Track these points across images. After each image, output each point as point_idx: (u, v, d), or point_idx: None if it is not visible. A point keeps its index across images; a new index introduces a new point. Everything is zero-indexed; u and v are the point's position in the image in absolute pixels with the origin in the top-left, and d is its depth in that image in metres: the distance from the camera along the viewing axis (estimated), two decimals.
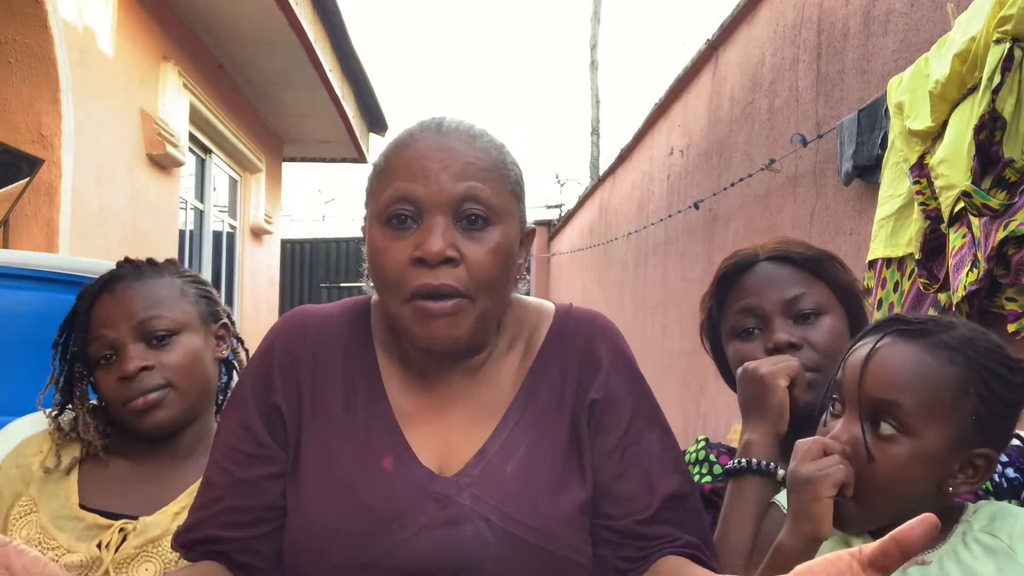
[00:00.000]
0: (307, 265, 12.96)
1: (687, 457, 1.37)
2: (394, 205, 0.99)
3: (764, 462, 1.15)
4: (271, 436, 1.04)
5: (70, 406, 1.41)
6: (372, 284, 1.05)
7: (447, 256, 0.96)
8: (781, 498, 1.06)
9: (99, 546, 1.27)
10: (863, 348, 0.99)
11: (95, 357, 1.36)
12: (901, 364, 0.96)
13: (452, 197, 0.98)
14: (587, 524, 1.01)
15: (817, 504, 0.95)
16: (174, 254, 5.74)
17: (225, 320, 1.47)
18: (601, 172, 10.33)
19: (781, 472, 1.11)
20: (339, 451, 1.02)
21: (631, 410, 1.06)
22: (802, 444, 0.99)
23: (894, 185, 2.75)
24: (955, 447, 0.95)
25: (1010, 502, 1.13)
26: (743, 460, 1.17)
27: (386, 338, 1.10)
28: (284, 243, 11.14)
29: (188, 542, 1.05)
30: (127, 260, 1.45)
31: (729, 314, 1.28)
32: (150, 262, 1.45)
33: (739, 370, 1.23)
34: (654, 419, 1.08)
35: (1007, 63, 2.06)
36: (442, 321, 0.97)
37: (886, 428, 0.95)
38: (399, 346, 1.08)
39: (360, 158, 9.67)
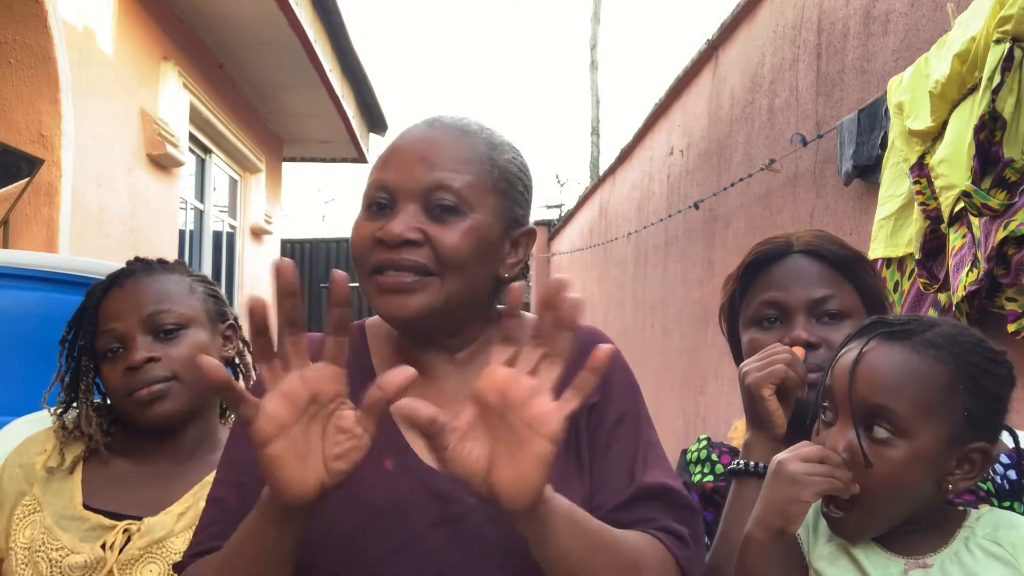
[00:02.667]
0: (307, 265, 12.95)
1: (688, 456, 1.37)
2: (372, 193, 1.03)
3: (763, 464, 1.14)
4: None
5: (74, 404, 1.41)
6: None
7: (408, 238, 0.98)
8: None
9: (103, 547, 1.27)
10: (849, 354, 0.99)
11: (103, 351, 1.36)
12: (889, 367, 0.96)
13: (422, 185, 1.00)
14: None
15: (795, 506, 0.95)
16: (174, 254, 5.73)
17: (232, 321, 1.48)
18: (601, 172, 10.33)
19: None
20: None
21: (622, 412, 1.06)
22: (803, 445, 0.99)
23: (894, 185, 2.76)
24: (950, 444, 0.96)
25: (1011, 504, 1.13)
26: (742, 462, 1.17)
27: (384, 350, 1.11)
28: (284, 243, 11.12)
29: (190, 557, 1.02)
30: (137, 258, 1.46)
31: (752, 302, 1.27)
32: (160, 261, 1.46)
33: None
34: (642, 423, 1.07)
35: (1007, 63, 2.06)
36: (397, 295, 0.99)
37: (880, 432, 0.95)
38: (397, 352, 1.09)
39: (360, 158, 9.67)
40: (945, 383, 0.95)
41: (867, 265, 1.29)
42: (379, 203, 1.02)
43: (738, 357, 1.33)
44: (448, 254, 0.99)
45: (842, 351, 1.02)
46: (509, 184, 1.06)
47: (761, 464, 1.14)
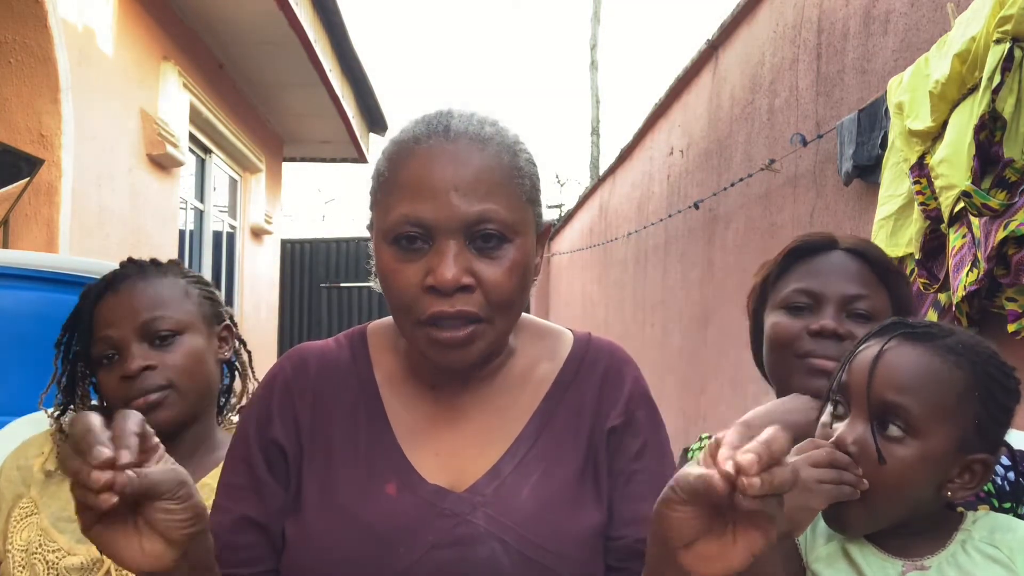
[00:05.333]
0: (307, 265, 12.95)
1: (690, 455, 1.37)
2: (401, 227, 0.93)
3: None
4: (270, 472, 1.01)
5: (72, 406, 1.40)
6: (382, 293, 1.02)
7: (462, 284, 0.92)
8: None
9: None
10: (869, 350, 1.00)
11: (98, 357, 1.35)
12: (909, 366, 0.97)
13: (464, 220, 0.92)
14: (601, 550, 0.98)
15: (804, 513, 0.96)
16: (174, 254, 5.73)
17: (228, 322, 1.47)
18: (601, 172, 10.33)
19: None
20: (341, 479, 0.99)
21: (645, 439, 1.04)
22: (809, 445, 1.00)
23: (894, 185, 2.76)
24: (957, 450, 0.96)
25: (1012, 504, 1.13)
26: None
27: (388, 361, 1.07)
28: (284, 243, 11.13)
29: None
30: (131, 260, 1.44)
31: (786, 287, 1.27)
32: (154, 262, 1.44)
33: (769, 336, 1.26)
34: (665, 453, 1.06)
35: (1007, 63, 2.06)
36: (458, 348, 0.94)
37: (894, 430, 0.96)
38: (404, 364, 1.06)
39: (360, 158, 9.67)
40: (961, 389, 0.96)
41: (905, 280, 1.30)
42: (409, 237, 0.93)
43: (756, 342, 1.34)
44: (500, 298, 0.94)
45: (860, 348, 1.02)
46: (535, 190, 1.01)
47: None
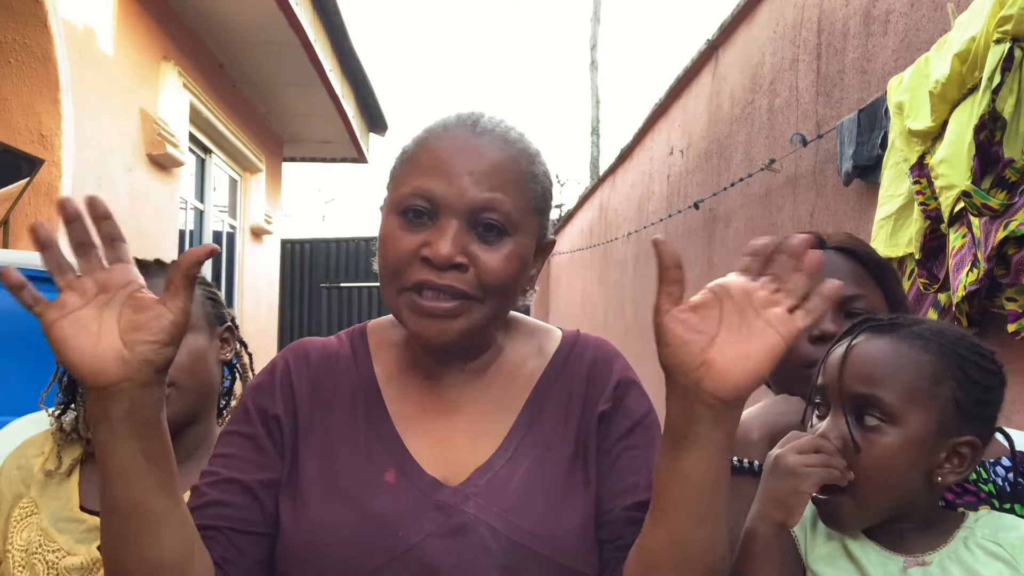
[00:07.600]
0: (307, 265, 12.94)
1: None
2: (411, 199, 0.97)
3: (758, 463, 1.14)
4: (270, 440, 1.03)
5: (72, 406, 1.41)
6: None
7: (456, 262, 0.95)
8: None
9: (99, 548, 1.27)
10: (839, 348, 1.02)
11: None
12: (877, 357, 0.99)
13: (471, 204, 0.96)
14: (592, 534, 1.00)
15: (795, 497, 0.97)
16: (174, 254, 5.73)
17: (230, 323, 1.47)
18: (601, 172, 10.33)
19: None
20: (341, 464, 1.01)
21: (634, 420, 1.05)
22: (796, 435, 1.01)
23: (894, 185, 2.76)
24: (940, 433, 0.97)
25: (1012, 506, 1.13)
26: (735, 459, 1.17)
27: (387, 355, 1.10)
28: (284, 243, 11.13)
29: None
30: (135, 260, 1.44)
31: None
32: (158, 262, 1.44)
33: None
34: (655, 432, 1.07)
35: (1007, 63, 2.06)
36: (439, 319, 0.97)
37: (871, 420, 0.97)
38: (402, 358, 1.09)
39: (360, 158, 9.67)
40: (932, 371, 0.98)
41: (895, 275, 1.30)
42: (416, 210, 0.97)
43: None
44: (492, 281, 0.97)
45: (832, 347, 1.04)
46: (545, 201, 1.05)
47: (757, 462, 1.14)
